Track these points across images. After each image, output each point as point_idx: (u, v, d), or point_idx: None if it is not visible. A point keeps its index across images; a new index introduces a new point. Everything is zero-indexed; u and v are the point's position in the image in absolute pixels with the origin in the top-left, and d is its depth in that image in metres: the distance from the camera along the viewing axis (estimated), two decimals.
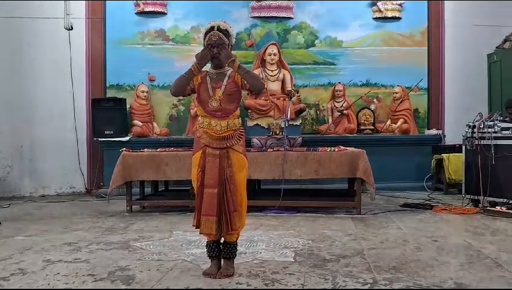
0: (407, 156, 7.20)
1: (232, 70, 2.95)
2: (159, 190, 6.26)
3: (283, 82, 7.43)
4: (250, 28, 7.78)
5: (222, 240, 2.98)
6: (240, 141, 2.96)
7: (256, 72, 7.36)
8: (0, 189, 7.14)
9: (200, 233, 2.91)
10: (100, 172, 7.22)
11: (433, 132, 7.51)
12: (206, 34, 2.94)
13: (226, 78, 2.94)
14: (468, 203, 5.40)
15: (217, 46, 2.86)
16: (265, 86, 7.24)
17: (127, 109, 7.32)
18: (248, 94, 6.86)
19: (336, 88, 7.57)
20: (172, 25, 7.73)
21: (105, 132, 6.99)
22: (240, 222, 2.92)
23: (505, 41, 7.60)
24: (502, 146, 5.12)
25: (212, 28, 2.93)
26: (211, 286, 2.69)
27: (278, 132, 6.10)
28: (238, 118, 3.00)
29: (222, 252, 2.96)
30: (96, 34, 7.53)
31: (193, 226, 2.96)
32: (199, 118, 3.01)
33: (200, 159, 2.93)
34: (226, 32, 2.94)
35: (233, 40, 3.04)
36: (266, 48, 7.43)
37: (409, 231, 4.17)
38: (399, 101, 7.57)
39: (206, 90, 2.92)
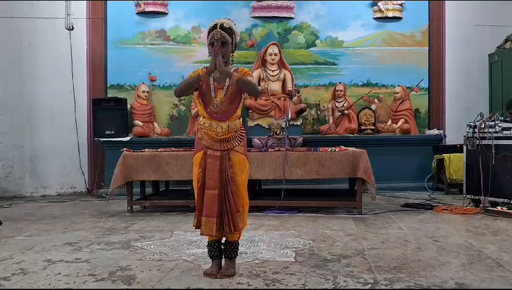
0: (408, 156, 7.20)
1: (234, 69, 2.93)
2: (160, 189, 6.27)
3: (284, 82, 7.44)
4: (251, 28, 7.79)
5: (223, 239, 2.98)
6: (241, 142, 2.95)
7: (257, 72, 7.39)
8: (1, 189, 7.16)
9: (200, 234, 2.91)
10: (101, 172, 7.24)
11: (434, 131, 7.50)
12: (209, 32, 2.91)
13: (229, 79, 2.92)
14: (469, 203, 5.40)
15: (220, 46, 2.84)
16: (267, 86, 7.25)
17: (128, 109, 7.32)
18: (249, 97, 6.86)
19: (337, 88, 7.58)
20: (173, 25, 7.74)
21: (106, 132, 7.00)
22: (242, 222, 2.92)
23: (506, 41, 7.61)
24: (503, 146, 5.12)
25: (215, 26, 2.88)
26: (212, 286, 2.69)
27: (278, 132, 6.10)
28: (239, 118, 2.99)
29: (223, 251, 2.97)
30: (97, 34, 7.54)
31: (193, 226, 2.96)
32: (200, 118, 3.01)
33: (201, 159, 2.92)
34: (229, 30, 2.90)
35: (238, 38, 2.99)
36: (267, 48, 7.44)
37: (409, 231, 4.17)
38: (400, 101, 7.57)
39: (208, 91, 2.91)
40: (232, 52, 2.95)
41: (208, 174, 2.87)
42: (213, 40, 2.86)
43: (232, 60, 2.98)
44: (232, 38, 2.90)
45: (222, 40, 2.85)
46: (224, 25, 2.88)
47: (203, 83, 2.92)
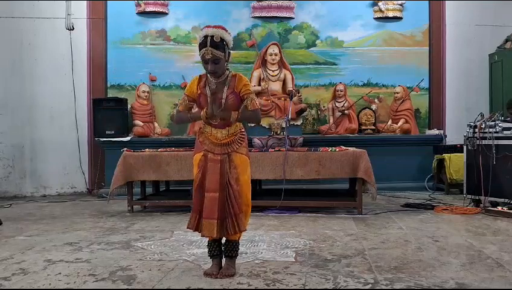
0: (409, 156, 7.20)
1: (231, 78, 2.89)
2: (160, 189, 6.27)
3: (284, 82, 7.44)
4: (251, 28, 7.79)
5: (223, 239, 2.98)
6: (241, 143, 2.96)
7: (257, 72, 7.40)
8: (1, 189, 7.16)
9: (201, 235, 2.91)
10: (101, 172, 7.24)
11: (434, 131, 7.50)
12: (200, 45, 2.80)
13: (226, 89, 2.88)
14: (469, 203, 5.40)
15: (212, 63, 2.77)
16: (267, 86, 7.25)
17: (128, 109, 7.32)
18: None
19: (337, 88, 7.58)
20: (174, 25, 7.74)
21: (107, 132, 7.00)
22: (246, 222, 2.94)
23: (507, 41, 7.61)
24: (503, 146, 5.12)
25: (205, 40, 2.76)
26: (212, 286, 2.69)
27: (279, 132, 6.10)
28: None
29: (224, 250, 2.97)
30: (97, 34, 7.54)
31: (187, 227, 2.96)
32: (201, 121, 3.01)
33: (199, 160, 2.93)
34: (221, 44, 2.78)
35: (231, 44, 2.89)
36: (267, 48, 7.44)
37: (410, 231, 4.17)
38: (400, 101, 7.56)
39: (206, 103, 2.89)
40: (227, 61, 2.87)
41: (208, 177, 2.88)
42: (205, 60, 2.79)
43: (227, 65, 2.92)
44: (224, 50, 2.81)
45: (214, 58, 2.77)
46: (215, 38, 2.76)
47: (201, 96, 2.91)
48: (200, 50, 2.81)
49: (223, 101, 2.86)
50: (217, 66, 2.81)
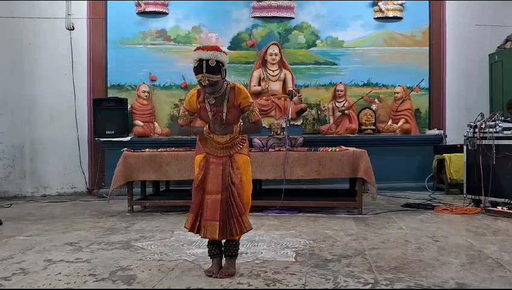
0: (409, 156, 7.20)
1: (230, 90, 2.88)
2: (160, 189, 6.27)
3: (284, 82, 7.44)
4: (251, 28, 7.78)
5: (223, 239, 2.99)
6: (243, 145, 2.99)
7: (257, 72, 7.40)
8: (1, 189, 7.16)
9: (203, 237, 2.91)
10: (101, 172, 7.24)
11: (435, 131, 7.50)
12: (194, 69, 2.75)
13: (226, 103, 2.88)
14: (469, 204, 5.40)
15: (209, 86, 2.73)
16: (267, 86, 7.25)
17: (128, 109, 7.32)
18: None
19: (337, 88, 7.58)
20: (174, 25, 7.74)
21: (107, 132, 7.00)
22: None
23: (507, 41, 7.61)
24: (503, 146, 5.12)
25: (200, 63, 2.71)
26: (212, 286, 2.69)
27: (279, 132, 6.09)
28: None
29: (224, 250, 2.98)
30: (97, 34, 7.54)
31: (184, 227, 2.97)
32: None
33: (201, 161, 2.95)
34: (216, 67, 2.71)
35: (227, 62, 2.83)
36: (267, 48, 7.44)
37: (410, 231, 4.17)
38: (400, 101, 7.56)
39: (208, 117, 2.91)
40: (223, 78, 2.83)
41: (210, 179, 2.89)
42: (201, 85, 2.76)
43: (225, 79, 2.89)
44: (221, 71, 2.76)
45: (211, 83, 2.73)
46: (210, 63, 2.69)
47: (201, 110, 2.92)
48: (195, 74, 2.75)
49: (224, 115, 2.88)
50: (215, 88, 2.78)
